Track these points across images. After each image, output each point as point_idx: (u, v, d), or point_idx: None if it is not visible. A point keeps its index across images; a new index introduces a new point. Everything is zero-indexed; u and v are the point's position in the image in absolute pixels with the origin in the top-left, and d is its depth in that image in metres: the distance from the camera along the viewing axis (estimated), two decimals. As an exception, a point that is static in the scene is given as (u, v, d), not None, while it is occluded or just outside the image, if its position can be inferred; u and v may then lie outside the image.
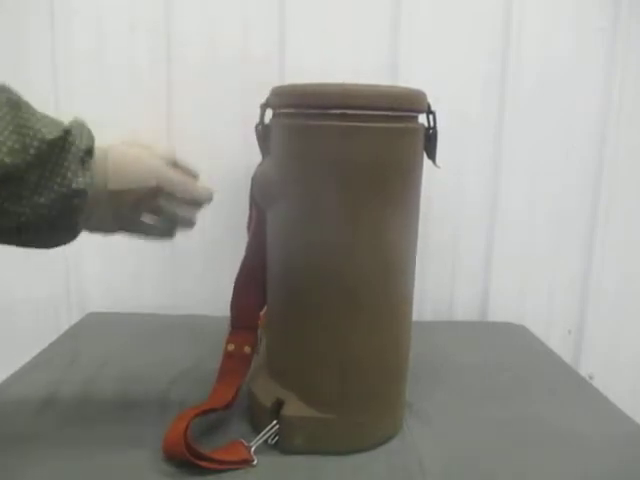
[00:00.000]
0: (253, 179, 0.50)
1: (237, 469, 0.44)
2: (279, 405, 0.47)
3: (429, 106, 0.47)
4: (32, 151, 0.36)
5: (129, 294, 0.85)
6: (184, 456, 0.42)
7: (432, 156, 0.48)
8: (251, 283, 0.52)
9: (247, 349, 0.52)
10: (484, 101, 0.82)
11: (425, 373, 0.63)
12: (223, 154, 0.79)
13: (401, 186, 0.45)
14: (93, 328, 0.77)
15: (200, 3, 0.77)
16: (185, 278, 0.85)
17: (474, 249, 0.87)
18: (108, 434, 0.47)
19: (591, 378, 0.83)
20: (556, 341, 0.77)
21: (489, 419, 0.53)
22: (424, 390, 0.59)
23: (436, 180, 0.83)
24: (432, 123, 0.47)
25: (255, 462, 0.44)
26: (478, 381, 0.62)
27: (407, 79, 0.79)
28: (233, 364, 0.52)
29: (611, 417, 0.55)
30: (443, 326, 0.82)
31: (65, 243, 0.42)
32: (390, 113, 0.43)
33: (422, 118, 0.48)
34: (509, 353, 0.72)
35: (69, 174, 0.38)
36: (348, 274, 0.44)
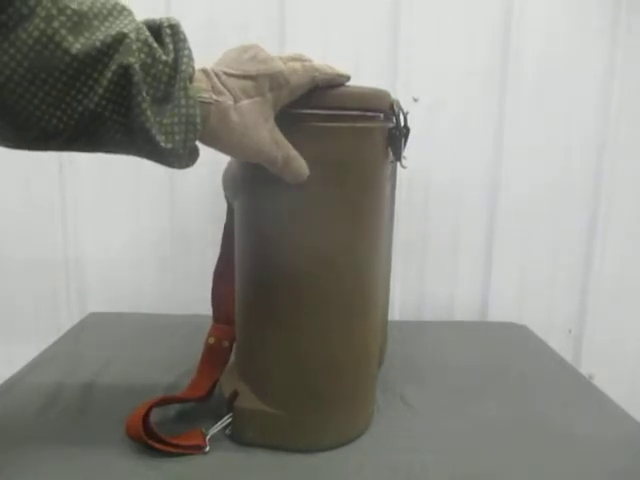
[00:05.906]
0: (224, 171, 0.50)
1: (189, 454, 0.45)
2: (235, 396, 0.47)
3: (392, 105, 0.46)
4: None
5: (130, 294, 0.86)
6: (141, 438, 0.44)
7: (397, 156, 0.47)
8: (227, 278, 0.52)
9: (225, 343, 0.53)
10: (483, 102, 0.82)
11: (425, 373, 0.63)
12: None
13: (354, 185, 0.44)
14: (94, 328, 0.77)
15: (199, 2, 0.78)
16: (185, 278, 0.85)
17: (474, 249, 0.87)
18: (110, 434, 0.47)
19: (591, 378, 0.84)
20: (556, 341, 0.78)
21: (489, 419, 0.53)
22: (424, 390, 0.59)
23: (435, 181, 0.84)
24: (397, 123, 0.46)
25: (207, 449, 0.45)
26: (479, 381, 0.62)
27: (407, 79, 0.80)
28: (212, 357, 0.52)
29: (613, 417, 0.55)
30: (443, 326, 0.82)
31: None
32: (338, 112, 0.42)
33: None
34: (511, 353, 0.72)
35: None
36: (294, 271, 0.44)
